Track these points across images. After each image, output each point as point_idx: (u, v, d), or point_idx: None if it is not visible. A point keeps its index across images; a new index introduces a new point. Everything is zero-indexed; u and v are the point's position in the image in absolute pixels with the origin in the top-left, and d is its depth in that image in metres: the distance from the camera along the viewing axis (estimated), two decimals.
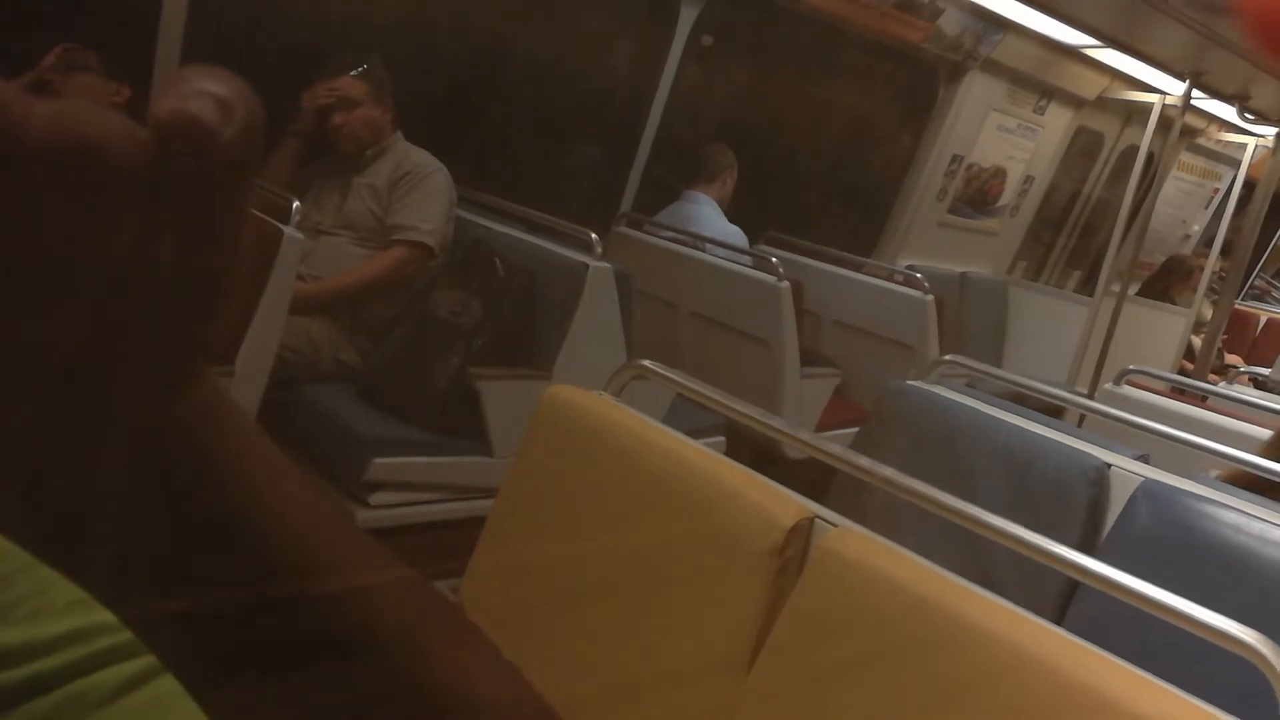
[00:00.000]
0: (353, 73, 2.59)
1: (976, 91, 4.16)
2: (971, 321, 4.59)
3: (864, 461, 1.18)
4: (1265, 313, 6.55)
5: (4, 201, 0.20)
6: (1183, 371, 4.59)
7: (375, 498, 2.28)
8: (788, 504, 1.15)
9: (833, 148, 4.54)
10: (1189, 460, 1.73)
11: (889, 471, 1.14)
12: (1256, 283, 7.26)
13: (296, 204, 2.15)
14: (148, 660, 0.38)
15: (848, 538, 1.10)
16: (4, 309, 0.20)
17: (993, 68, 4.11)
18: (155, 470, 0.24)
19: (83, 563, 0.25)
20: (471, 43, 3.20)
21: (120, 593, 0.26)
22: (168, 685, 0.38)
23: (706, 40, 3.50)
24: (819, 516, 1.15)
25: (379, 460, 2.26)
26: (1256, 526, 1.42)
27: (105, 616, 0.26)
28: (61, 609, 0.38)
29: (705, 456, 1.26)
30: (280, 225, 2.12)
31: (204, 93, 0.21)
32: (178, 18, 2.41)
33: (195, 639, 0.26)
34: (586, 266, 2.46)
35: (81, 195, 0.20)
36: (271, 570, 0.26)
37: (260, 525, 0.26)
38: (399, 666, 0.29)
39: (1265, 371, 3.42)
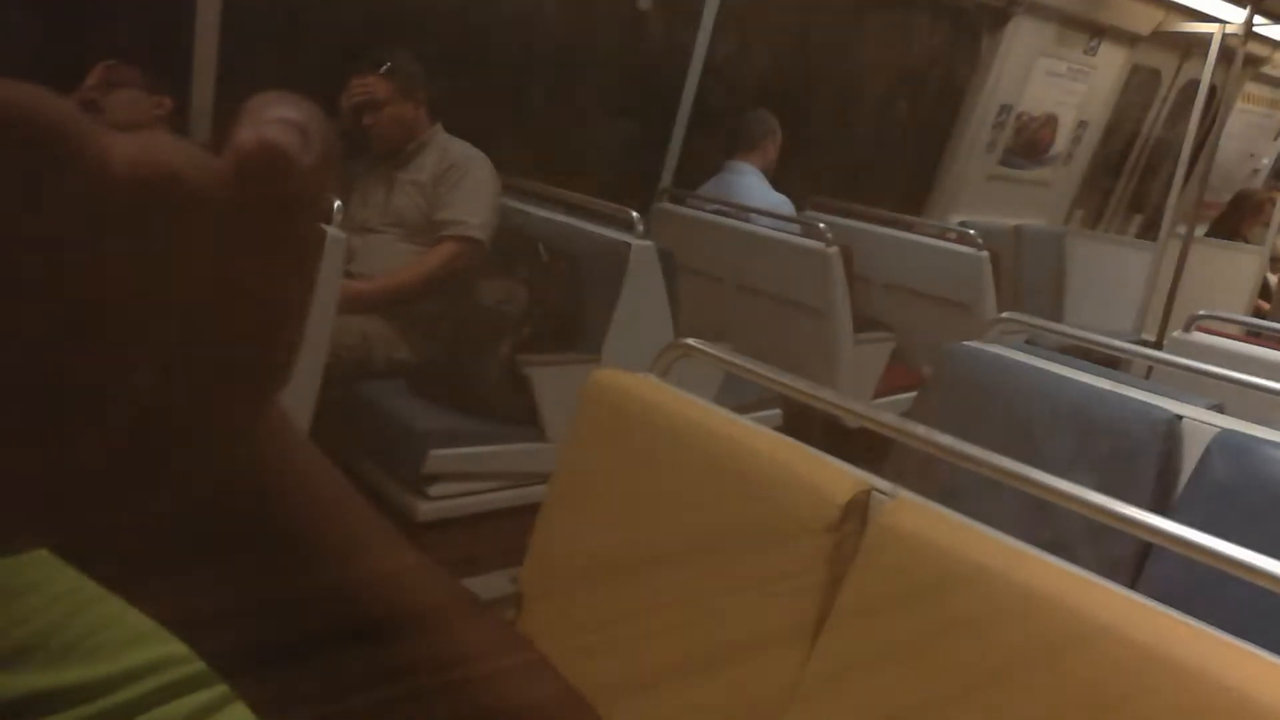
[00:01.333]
0: (379, 71, 2.58)
1: (1022, 37, 4.02)
2: (1029, 276, 4.46)
3: (920, 429, 1.14)
4: None
5: (92, 238, 0.20)
6: (1258, 312, 4.42)
7: (434, 489, 2.30)
8: (842, 478, 1.12)
9: (877, 107, 4.44)
10: (1268, 407, 1.66)
11: (946, 439, 1.10)
12: None
13: (338, 203, 2.16)
14: (220, 689, 0.39)
15: (906, 509, 1.07)
16: (90, 344, 0.20)
17: (1038, 10, 3.97)
18: (233, 499, 0.25)
19: (156, 591, 0.26)
20: (502, 28, 3.18)
21: (196, 622, 0.26)
22: (240, 714, 0.38)
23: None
24: (875, 489, 1.12)
25: (436, 452, 2.27)
26: None
27: (177, 647, 0.27)
28: (133, 640, 0.39)
29: (754, 434, 1.23)
30: (323, 225, 2.13)
31: (284, 120, 0.21)
32: (212, 26, 2.43)
33: (263, 664, 0.27)
34: (629, 246, 2.44)
35: (164, 228, 0.20)
36: (329, 590, 0.27)
37: (320, 547, 0.27)
38: (456, 689, 0.30)
39: None
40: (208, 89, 2.49)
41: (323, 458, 0.28)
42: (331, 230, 2.13)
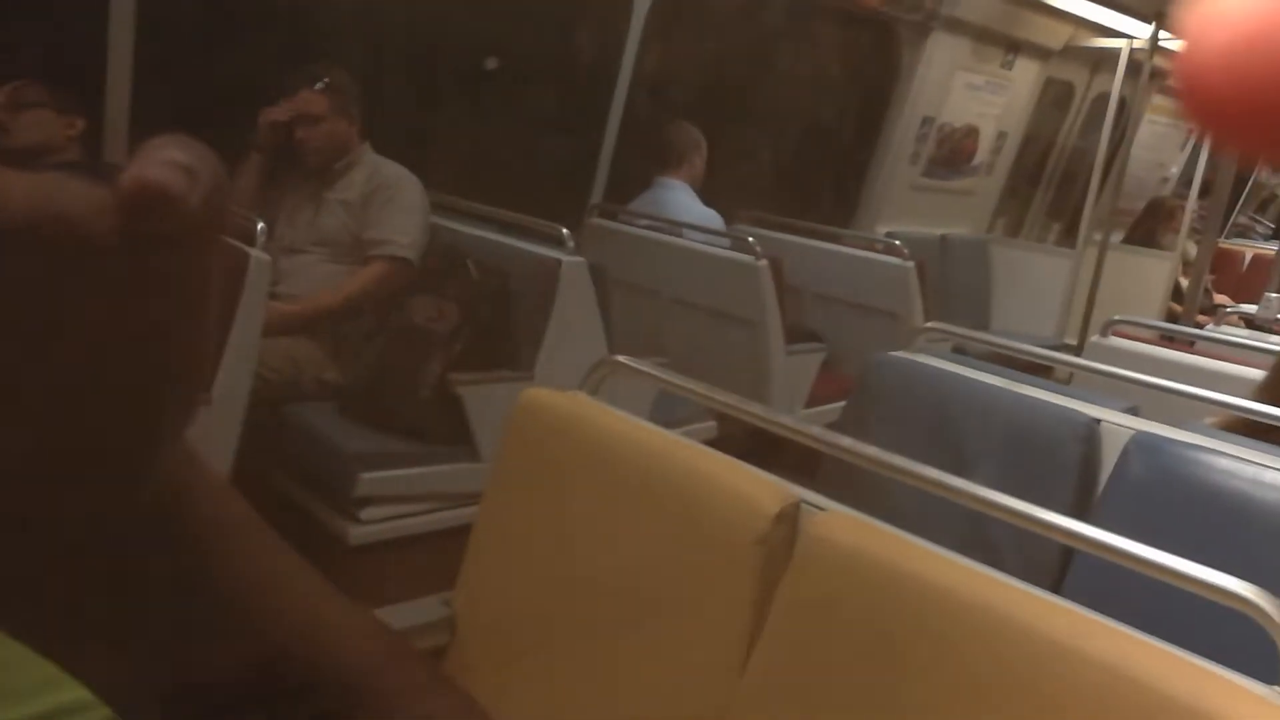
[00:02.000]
0: (315, 87, 2.55)
1: (941, 51, 4.12)
2: (955, 283, 4.56)
3: (845, 441, 1.15)
4: (1250, 249, 6.53)
5: None
6: (1171, 315, 4.58)
7: (366, 513, 2.26)
8: (772, 490, 1.12)
9: (804, 120, 4.51)
10: (1182, 409, 1.72)
11: (872, 450, 1.12)
12: (1239, 219, 7.25)
13: (261, 225, 2.11)
14: None
15: (835, 521, 1.08)
16: None
17: (955, 26, 4.08)
18: (129, 543, 0.25)
19: (53, 636, 0.25)
20: (431, 43, 3.16)
21: (91, 664, 0.26)
22: None
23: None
24: (805, 501, 1.13)
25: (367, 475, 2.23)
26: (1250, 471, 1.40)
27: (81, 693, 0.26)
28: (37, 686, 0.38)
29: (685, 448, 1.23)
30: (246, 248, 2.08)
31: (169, 161, 0.21)
32: (126, 44, 2.37)
33: (175, 708, 0.27)
34: (560, 262, 2.43)
35: (55, 268, 0.20)
36: (243, 634, 0.27)
37: (231, 589, 0.27)
38: (354, 703, 0.30)
39: (1253, 309, 3.40)
40: (122, 108, 2.42)
41: (235, 493, 0.28)
42: (255, 253, 2.08)
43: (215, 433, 2.01)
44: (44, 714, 0.37)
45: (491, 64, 3.27)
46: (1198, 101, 0.13)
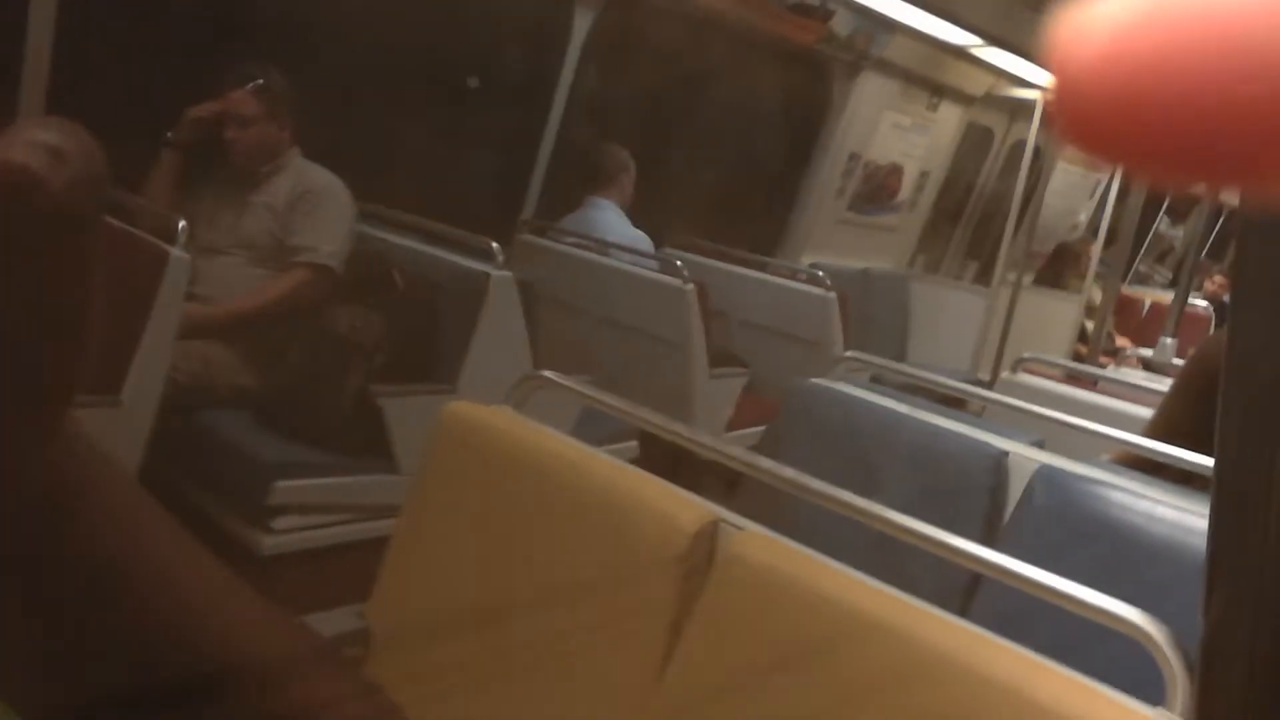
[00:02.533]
0: (249, 87, 2.50)
1: (870, 91, 4.25)
2: (875, 316, 4.68)
3: (765, 463, 1.18)
4: (1150, 296, 6.84)
5: None
6: (1077, 355, 4.77)
7: (279, 522, 2.21)
8: (691, 509, 1.14)
9: (734, 150, 4.59)
10: (1084, 444, 1.79)
11: (790, 472, 1.14)
12: (1140, 268, 7.60)
13: (183, 224, 2.06)
14: None
15: (753, 541, 1.10)
16: None
17: (885, 67, 4.21)
18: (16, 540, 0.24)
19: None
20: (365, 51, 3.13)
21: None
22: None
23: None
24: (724, 520, 1.15)
25: (281, 484, 2.19)
26: (1144, 505, 1.47)
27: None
28: None
29: (608, 465, 1.24)
30: (165, 246, 2.03)
31: (33, 142, 0.20)
32: (45, 31, 2.29)
33: (84, 713, 0.26)
34: (488, 276, 2.43)
35: None
36: (150, 634, 0.26)
37: (132, 585, 0.26)
38: (269, 705, 0.29)
39: (1150, 353, 3.57)
40: (38, 98, 2.34)
41: (137, 486, 0.27)
42: (175, 251, 2.03)
43: (124, 436, 1.94)
44: None
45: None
46: (1069, 118, 0.12)
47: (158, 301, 2.00)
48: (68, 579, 0.25)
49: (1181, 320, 3.56)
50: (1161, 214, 7.70)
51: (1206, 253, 7.16)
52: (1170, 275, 7.86)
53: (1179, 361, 3.23)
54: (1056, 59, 0.12)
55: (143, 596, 0.26)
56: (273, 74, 2.54)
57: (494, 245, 2.50)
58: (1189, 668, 0.86)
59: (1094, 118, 0.12)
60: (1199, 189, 0.13)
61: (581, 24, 3.38)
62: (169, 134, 2.53)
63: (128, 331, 1.99)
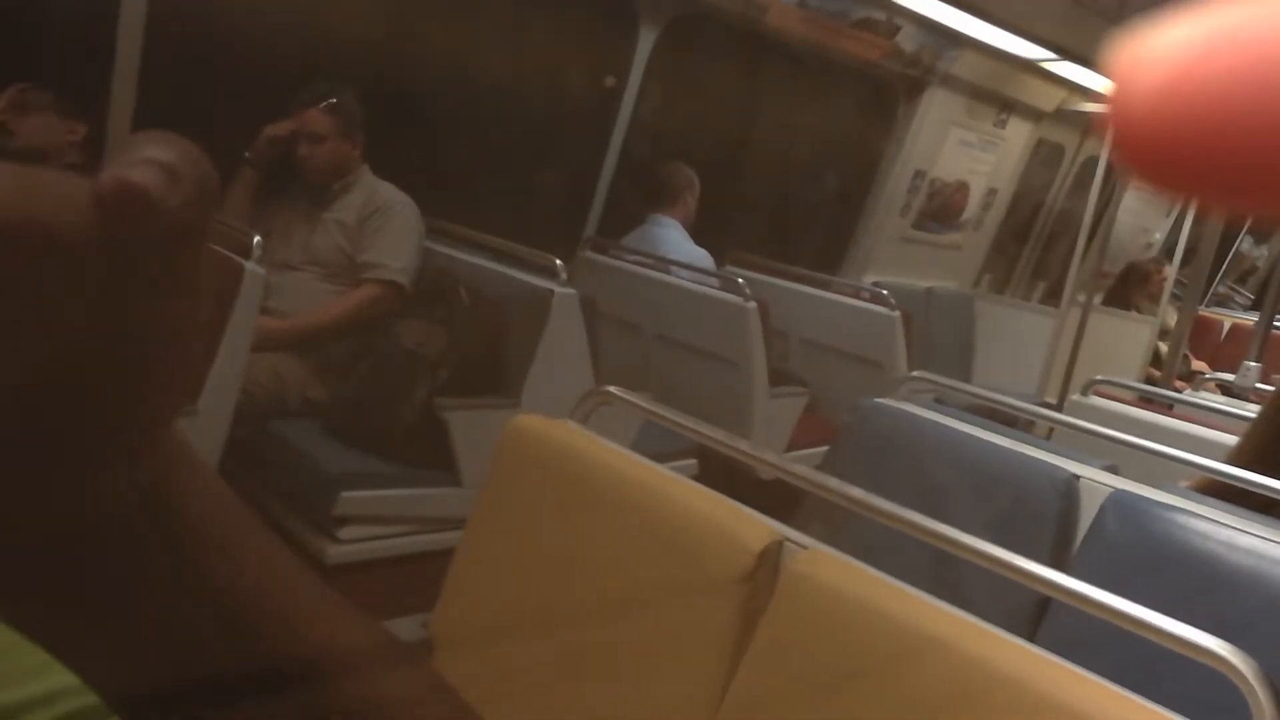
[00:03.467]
0: (322, 105, 2.57)
1: (936, 107, 4.20)
2: (939, 336, 4.61)
3: (832, 482, 1.17)
4: (1229, 318, 6.63)
5: None
6: (1150, 379, 4.64)
7: (344, 532, 2.25)
8: (756, 528, 1.14)
9: (797, 168, 4.57)
10: (1158, 470, 1.74)
11: (857, 491, 1.13)
12: (1219, 289, 7.37)
13: (258, 239, 2.12)
14: None
15: (818, 560, 1.09)
16: None
17: (951, 83, 4.16)
18: (115, 536, 0.24)
19: (44, 629, 0.25)
20: (432, 71, 3.20)
21: (84, 657, 0.26)
22: None
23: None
24: (788, 539, 1.14)
25: (347, 494, 2.23)
26: (1225, 534, 1.43)
27: (70, 679, 0.27)
28: (27, 672, 0.38)
29: (672, 482, 1.24)
30: (242, 260, 2.09)
31: (150, 161, 0.21)
32: (133, 50, 2.39)
33: (166, 704, 0.27)
34: (551, 293, 2.45)
35: (31, 267, 0.20)
36: (236, 629, 0.27)
37: (225, 585, 0.27)
38: (349, 703, 0.29)
39: (1231, 377, 3.45)
40: (125, 115, 2.44)
41: (230, 492, 0.28)
42: (250, 265, 2.09)
43: (200, 444, 2.00)
44: (36, 698, 0.37)
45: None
46: (1128, 146, 0.12)
47: (234, 315, 2.06)
48: (169, 577, 0.26)
49: (1267, 343, 3.43)
50: (1244, 233, 7.46)
51: None
52: (1252, 297, 7.61)
53: (1263, 387, 3.12)
54: (1116, 88, 0.12)
55: (238, 594, 0.27)
56: (344, 93, 2.61)
57: (558, 262, 2.52)
58: (1279, 703, 0.83)
59: (1153, 147, 0.12)
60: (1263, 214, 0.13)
61: (645, 42, 3.41)
62: (247, 153, 2.61)
63: (204, 343, 2.06)
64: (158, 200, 0.20)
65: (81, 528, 0.23)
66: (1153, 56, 0.12)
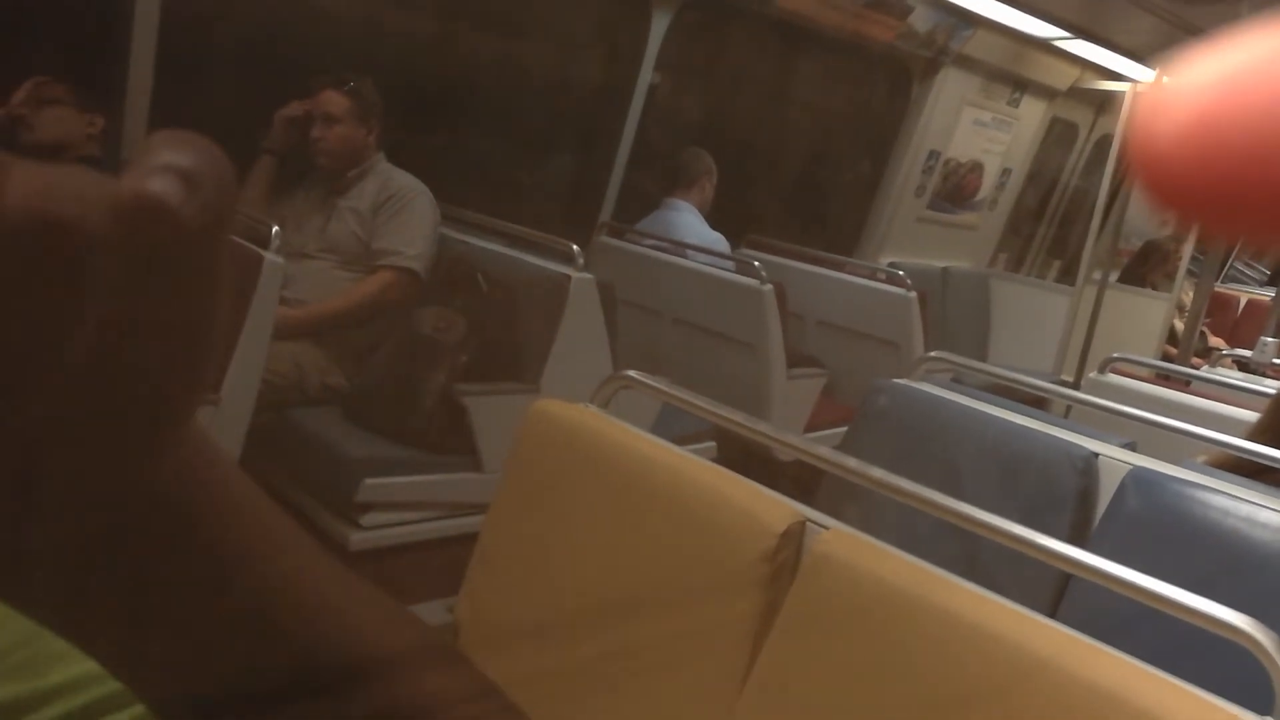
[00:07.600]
0: (340, 88, 2.58)
1: (950, 87, 4.18)
2: (955, 316, 4.60)
3: (852, 462, 1.18)
4: (1245, 294, 6.59)
5: None
6: (1167, 357, 4.62)
7: (367, 519, 2.27)
8: (778, 508, 1.15)
9: (811, 149, 4.56)
10: (1176, 446, 1.74)
11: (877, 471, 1.14)
12: (1235, 264, 7.32)
13: (276, 229, 2.14)
14: (138, 709, 0.38)
15: (840, 540, 1.10)
16: None
17: (965, 63, 4.13)
18: (140, 530, 0.24)
19: (62, 618, 0.25)
20: (446, 60, 3.20)
21: (106, 646, 0.26)
22: None
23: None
24: (810, 520, 1.15)
25: (369, 481, 2.25)
26: (1245, 509, 1.43)
27: (92, 666, 0.27)
28: (49, 660, 0.38)
29: (694, 464, 1.25)
30: (260, 250, 2.10)
31: (169, 167, 0.21)
32: (149, 42, 2.40)
33: (189, 691, 0.26)
34: (569, 278, 2.46)
35: (52, 266, 0.20)
36: (268, 627, 0.27)
37: (250, 576, 0.26)
38: (388, 703, 0.29)
39: (1248, 353, 3.43)
40: (142, 108, 2.45)
41: (256, 487, 0.28)
42: (269, 255, 2.11)
43: (222, 434, 2.02)
44: (60, 686, 0.37)
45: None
46: (1155, 180, 0.13)
47: (253, 304, 2.07)
48: (197, 574, 0.26)
49: None
50: None
51: None
52: (1268, 273, 7.55)
53: None
54: (1142, 126, 0.13)
55: (268, 591, 0.27)
56: (362, 78, 2.62)
57: (574, 248, 2.53)
58: None
59: (1179, 183, 0.13)
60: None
61: (659, 25, 3.40)
62: (264, 142, 2.63)
63: (225, 332, 2.07)
64: (176, 209, 0.21)
65: (107, 522, 0.24)
66: (1177, 95, 0.13)
